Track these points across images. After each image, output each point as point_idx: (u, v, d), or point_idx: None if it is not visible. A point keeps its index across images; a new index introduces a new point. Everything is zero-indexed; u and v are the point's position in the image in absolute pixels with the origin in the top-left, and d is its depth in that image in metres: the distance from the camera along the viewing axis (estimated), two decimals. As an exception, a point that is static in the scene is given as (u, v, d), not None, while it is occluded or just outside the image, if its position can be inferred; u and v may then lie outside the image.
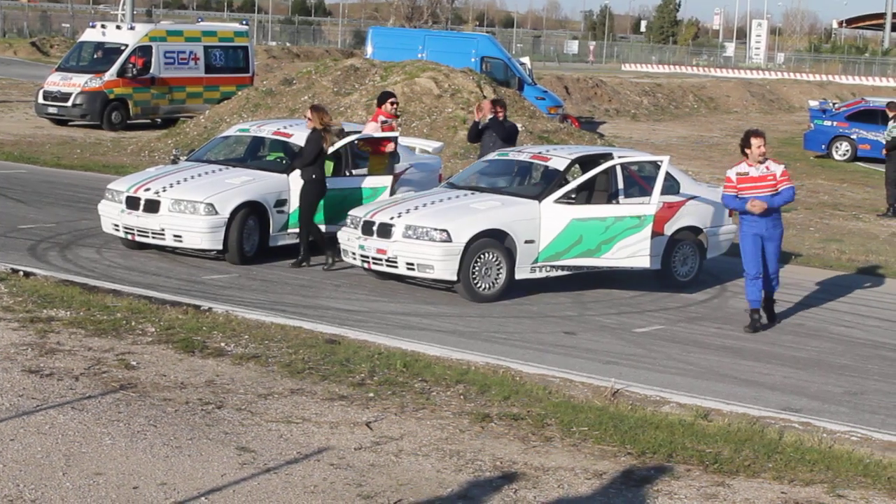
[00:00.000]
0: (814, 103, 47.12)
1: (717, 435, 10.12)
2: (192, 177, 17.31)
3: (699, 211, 17.32)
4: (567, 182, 16.54)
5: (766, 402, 11.85)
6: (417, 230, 15.43)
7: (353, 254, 16.06)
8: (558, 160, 16.87)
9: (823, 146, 39.50)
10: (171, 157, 19.28)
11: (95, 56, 37.92)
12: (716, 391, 12.14)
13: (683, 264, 17.12)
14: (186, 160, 18.66)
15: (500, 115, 19.07)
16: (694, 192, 17.52)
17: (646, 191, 16.39)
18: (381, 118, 18.14)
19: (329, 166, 17.57)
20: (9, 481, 8.05)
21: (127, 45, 37.01)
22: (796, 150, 41.17)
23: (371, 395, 10.61)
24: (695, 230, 17.24)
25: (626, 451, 9.54)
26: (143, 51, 37.12)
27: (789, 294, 17.47)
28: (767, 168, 14.60)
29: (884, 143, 28.05)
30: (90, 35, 38.99)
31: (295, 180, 16.98)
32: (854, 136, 39.03)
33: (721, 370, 13.10)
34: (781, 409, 11.61)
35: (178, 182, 17.10)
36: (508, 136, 19.03)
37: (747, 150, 14.65)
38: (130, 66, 36.76)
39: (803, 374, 13.22)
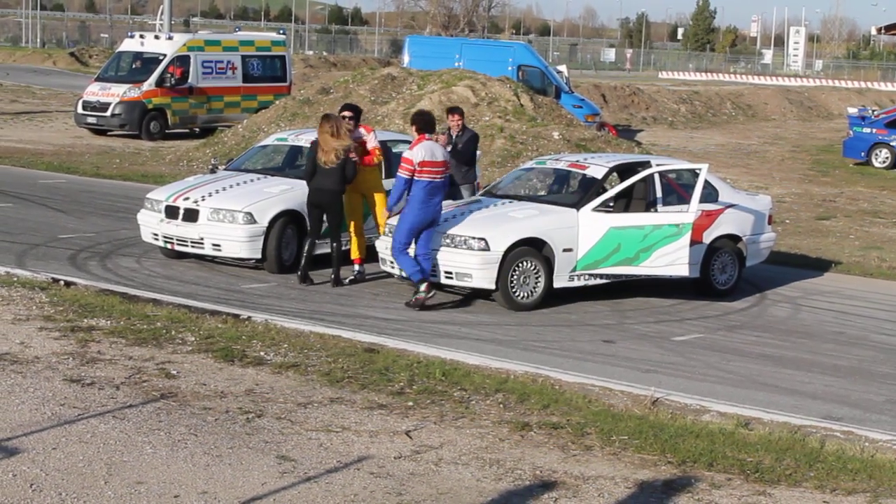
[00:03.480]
0: (853, 110, 46.86)
1: (757, 444, 10.07)
2: (231, 186, 17.38)
3: (738, 219, 17.24)
4: (605, 190, 16.50)
5: (808, 411, 11.78)
6: (455, 239, 15.42)
7: (392, 263, 16.06)
8: (596, 168, 16.83)
9: (863, 153, 39.25)
10: (210, 167, 19.35)
11: (134, 66, 38.19)
12: (756, 400, 12.08)
13: (722, 272, 17.05)
14: (225, 169, 18.73)
15: (458, 123, 17.84)
16: (733, 200, 17.45)
17: (684, 199, 16.34)
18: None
19: None
20: (51, 490, 8.09)
21: (165, 55, 37.28)
22: (835, 157, 40.96)
23: (410, 403, 10.61)
24: (734, 238, 17.17)
25: (666, 460, 9.50)
26: (182, 60, 37.36)
27: (828, 302, 17.39)
28: None
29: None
30: (129, 45, 39.29)
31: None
32: (894, 143, 38.76)
33: (761, 379, 13.03)
34: (823, 418, 11.54)
35: (217, 191, 17.17)
36: (465, 158, 17.74)
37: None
38: (169, 75, 37.01)
39: (844, 382, 13.14)
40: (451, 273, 15.46)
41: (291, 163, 18.70)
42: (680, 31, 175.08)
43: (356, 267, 16.80)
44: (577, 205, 16.08)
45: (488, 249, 15.24)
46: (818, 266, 19.99)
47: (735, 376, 13.07)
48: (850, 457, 9.90)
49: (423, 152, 15.30)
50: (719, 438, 10.12)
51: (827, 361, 14.02)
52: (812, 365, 13.80)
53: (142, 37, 39.32)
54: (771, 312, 16.57)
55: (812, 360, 14.06)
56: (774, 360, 13.95)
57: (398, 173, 15.46)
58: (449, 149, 17.51)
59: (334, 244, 16.28)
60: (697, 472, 9.29)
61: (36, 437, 9.10)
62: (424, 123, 15.65)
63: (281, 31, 45.34)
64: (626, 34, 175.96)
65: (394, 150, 18.38)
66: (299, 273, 16.35)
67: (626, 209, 16.73)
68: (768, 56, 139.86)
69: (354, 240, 16.79)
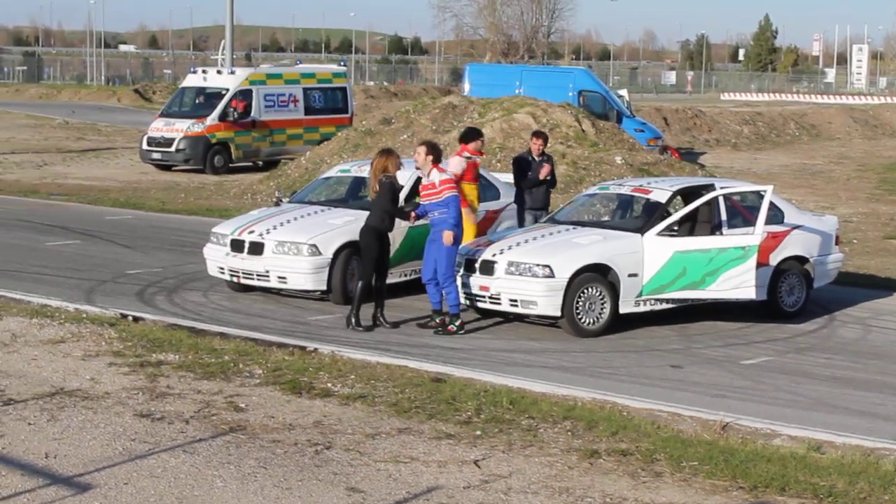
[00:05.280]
0: (918, 128, 46.42)
1: (830, 467, 9.95)
2: (295, 218, 17.47)
3: (805, 240, 17.10)
4: (669, 214, 16.42)
5: (881, 433, 11.62)
6: (520, 266, 15.40)
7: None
8: (660, 192, 16.77)
9: (930, 171, 38.81)
10: (274, 200, 19.45)
11: (197, 101, 38.58)
12: (827, 423, 11.94)
13: (790, 294, 16.91)
14: (289, 202, 18.83)
15: (540, 147, 18.74)
16: (798, 221, 17.32)
17: (749, 221, 16.22)
18: (466, 154, 17.78)
19: None
20: (123, 525, 8.15)
21: (228, 90, 37.61)
22: (902, 175, 40.55)
23: (478, 432, 10.59)
24: (801, 260, 17.03)
25: (737, 486, 9.42)
26: (244, 94, 37.68)
27: (900, 322, 17.21)
28: (430, 177, 15.46)
29: None
30: (191, 80, 39.70)
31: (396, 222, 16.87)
32: (961, 160, 38.34)
33: (832, 401, 12.89)
34: (896, 440, 11.40)
35: (282, 224, 17.26)
36: (552, 182, 18.94)
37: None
38: (231, 110, 37.33)
39: (917, 403, 12.97)
40: (515, 301, 15.44)
41: (355, 194, 18.75)
42: (741, 51, 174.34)
43: None
44: (642, 229, 16.02)
45: (553, 276, 15.21)
46: (887, 286, 19.76)
47: (805, 399, 12.94)
48: (926, 479, 9.75)
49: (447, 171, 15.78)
50: (791, 463, 10.01)
51: (899, 382, 13.85)
52: (884, 386, 13.63)
53: (204, 72, 39.74)
54: (840, 334, 16.40)
55: (884, 381, 13.88)
56: (845, 382, 13.79)
57: (450, 193, 15.26)
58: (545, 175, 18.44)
59: (359, 282, 15.65)
60: (769, 497, 9.19)
61: (108, 472, 9.17)
62: (439, 154, 15.79)
63: (342, 63, 45.62)
64: (687, 56, 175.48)
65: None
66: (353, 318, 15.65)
67: (691, 233, 16.64)
68: (831, 75, 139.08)
69: None
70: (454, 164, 17.31)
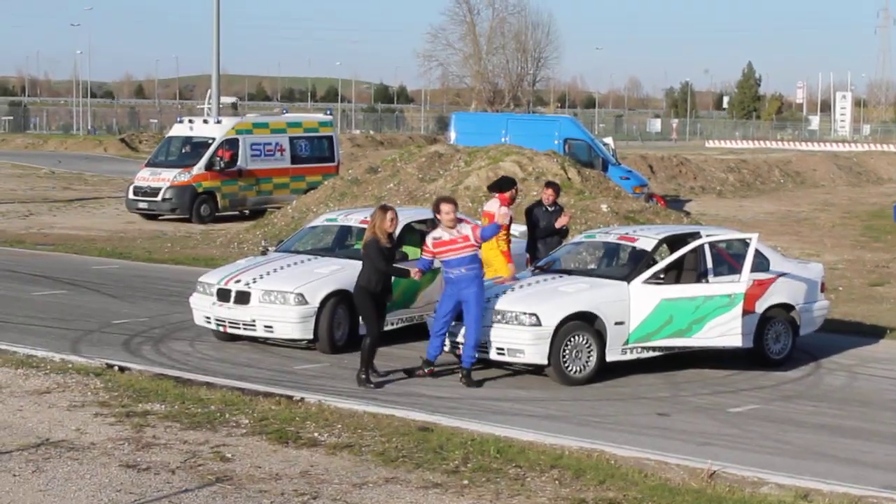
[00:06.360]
0: (902, 174, 46.66)
1: (818, 516, 9.94)
2: (282, 267, 17.47)
3: (790, 288, 17.14)
4: (655, 262, 16.45)
5: (868, 481, 11.61)
6: (507, 315, 15.40)
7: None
8: (646, 240, 16.82)
9: (914, 218, 38.95)
10: (261, 249, 19.45)
11: (183, 150, 38.65)
12: (815, 471, 11.93)
13: (776, 342, 16.93)
14: (275, 251, 18.84)
15: (552, 197, 19.05)
16: (784, 268, 17.36)
17: (735, 269, 16.27)
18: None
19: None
20: (109, 577, 8.10)
21: (214, 139, 37.71)
22: (887, 222, 40.65)
23: (466, 482, 10.57)
24: (787, 307, 17.05)
25: (725, 535, 9.39)
26: (230, 144, 37.77)
27: (886, 370, 17.22)
28: (459, 231, 15.35)
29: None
30: (178, 130, 39.79)
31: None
32: (945, 207, 38.48)
33: (819, 449, 12.88)
34: (883, 488, 11.36)
35: (268, 273, 17.26)
36: (563, 231, 19.19)
37: (438, 217, 15.51)
38: (218, 159, 37.40)
39: (904, 451, 12.96)
40: (502, 349, 15.43)
41: (341, 243, 18.80)
42: (725, 99, 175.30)
43: None
44: (628, 277, 16.04)
45: (540, 324, 15.21)
46: (873, 333, 19.80)
47: (793, 447, 12.93)
48: (913, 527, 9.75)
49: None
50: (779, 511, 10.00)
51: (886, 430, 13.85)
52: (871, 434, 13.63)
53: (191, 121, 39.84)
54: (827, 381, 16.41)
55: (871, 429, 13.89)
56: (832, 429, 13.79)
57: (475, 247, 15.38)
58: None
59: (366, 339, 15.22)
60: (758, 545, 9.17)
61: (93, 524, 9.13)
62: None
63: (328, 112, 45.73)
64: (672, 104, 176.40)
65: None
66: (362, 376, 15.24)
67: (677, 280, 16.67)
68: (815, 122, 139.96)
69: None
70: (502, 215, 17.46)
